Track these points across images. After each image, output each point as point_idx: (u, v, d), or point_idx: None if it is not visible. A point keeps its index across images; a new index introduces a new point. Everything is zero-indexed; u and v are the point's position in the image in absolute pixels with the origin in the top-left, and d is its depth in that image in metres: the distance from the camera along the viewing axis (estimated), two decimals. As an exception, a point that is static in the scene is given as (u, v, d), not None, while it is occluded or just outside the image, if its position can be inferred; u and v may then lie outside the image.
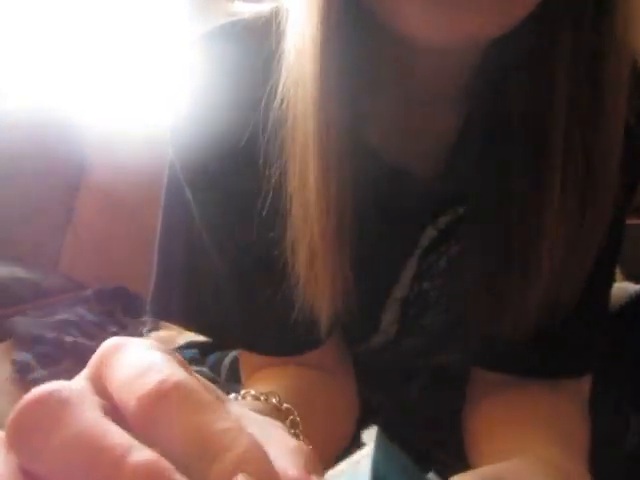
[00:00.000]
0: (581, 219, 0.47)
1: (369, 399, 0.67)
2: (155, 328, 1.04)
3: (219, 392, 0.25)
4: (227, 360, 0.74)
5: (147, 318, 1.06)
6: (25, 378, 0.93)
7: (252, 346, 0.59)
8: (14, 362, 0.93)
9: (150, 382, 0.20)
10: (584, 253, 0.49)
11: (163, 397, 0.19)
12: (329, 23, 0.42)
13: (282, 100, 0.45)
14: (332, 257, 0.48)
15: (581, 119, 0.44)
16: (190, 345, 0.87)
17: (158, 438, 0.19)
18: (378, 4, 0.40)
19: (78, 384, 0.22)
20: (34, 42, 1.37)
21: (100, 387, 0.22)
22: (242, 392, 0.46)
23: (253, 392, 0.46)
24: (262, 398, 0.46)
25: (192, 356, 0.81)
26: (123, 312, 1.14)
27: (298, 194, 0.47)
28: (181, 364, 0.22)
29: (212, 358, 0.77)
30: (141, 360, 0.21)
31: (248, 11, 0.53)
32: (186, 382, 0.20)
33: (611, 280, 0.58)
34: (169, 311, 0.60)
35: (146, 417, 0.20)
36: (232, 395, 0.45)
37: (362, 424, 0.65)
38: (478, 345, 0.56)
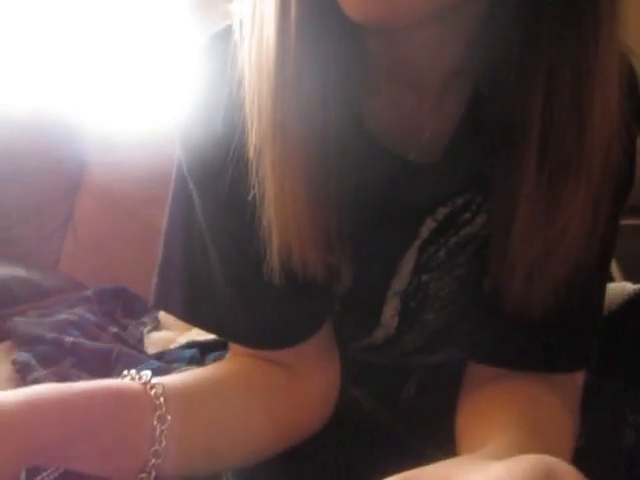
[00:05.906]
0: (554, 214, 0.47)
1: (364, 401, 0.67)
2: (155, 328, 1.04)
3: None
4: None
5: (147, 318, 1.06)
6: (25, 378, 0.93)
7: (239, 339, 0.60)
8: (14, 362, 0.93)
9: None
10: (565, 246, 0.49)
11: None
12: (302, 21, 0.43)
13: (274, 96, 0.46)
14: (327, 247, 0.48)
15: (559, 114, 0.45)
16: (190, 345, 0.87)
17: None
18: None
19: None
20: (34, 41, 1.37)
21: None
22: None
23: (132, 372, 0.51)
24: (136, 377, 0.51)
25: (192, 355, 0.82)
26: (123, 312, 1.14)
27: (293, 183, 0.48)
28: None
29: (212, 357, 0.78)
30: None
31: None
32: None
33: (606, 278, 0.59)
34: (169, 302, 0.61)
35: None
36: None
37: (362, 424, 0.65)
38: (476, 338, 0.56)
